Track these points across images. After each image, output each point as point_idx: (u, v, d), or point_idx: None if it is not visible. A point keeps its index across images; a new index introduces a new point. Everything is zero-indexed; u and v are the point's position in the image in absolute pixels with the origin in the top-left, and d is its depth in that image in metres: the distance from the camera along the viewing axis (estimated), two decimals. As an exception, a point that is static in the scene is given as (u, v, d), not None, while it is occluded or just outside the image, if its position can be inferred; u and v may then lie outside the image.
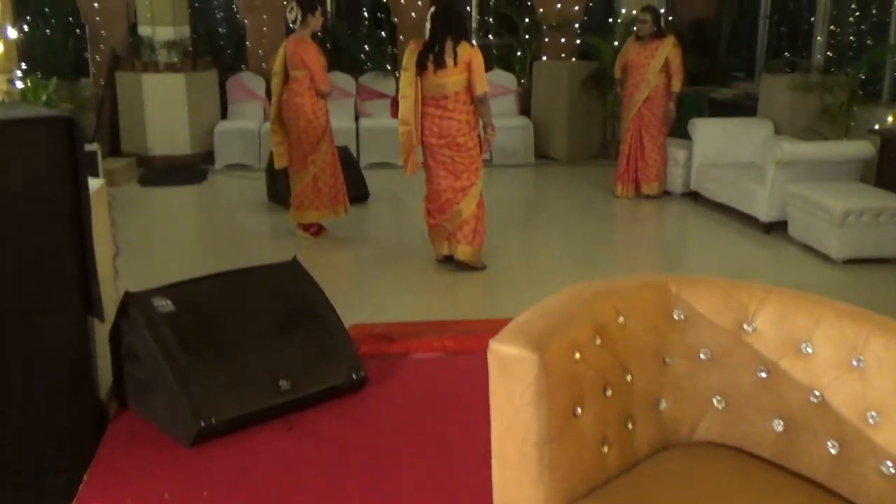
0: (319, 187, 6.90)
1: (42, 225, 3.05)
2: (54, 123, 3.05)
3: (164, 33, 10.02)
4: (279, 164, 7.01)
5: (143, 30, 10.08)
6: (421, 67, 5.86)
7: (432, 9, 5.96)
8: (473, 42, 6.27)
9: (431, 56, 5.83)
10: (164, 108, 9.89)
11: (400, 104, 5.93)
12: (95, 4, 10.43)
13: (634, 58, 8.41)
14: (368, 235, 7.44)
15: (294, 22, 6.70)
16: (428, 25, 5.90)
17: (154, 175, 9.53)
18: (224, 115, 10.43)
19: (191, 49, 10.19)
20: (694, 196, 8.46)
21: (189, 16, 10.35)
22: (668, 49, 8.26)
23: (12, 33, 3.90)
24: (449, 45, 5.79)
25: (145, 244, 7.00)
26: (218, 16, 11.44)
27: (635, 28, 8.49)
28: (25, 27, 10.04)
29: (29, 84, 3.86)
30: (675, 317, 2.39)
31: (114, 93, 10.08)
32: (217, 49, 10.72)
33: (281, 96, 6.81)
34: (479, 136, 5.99)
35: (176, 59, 9.99)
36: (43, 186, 3.03)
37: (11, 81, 3.82)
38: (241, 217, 7.99)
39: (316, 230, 7.11)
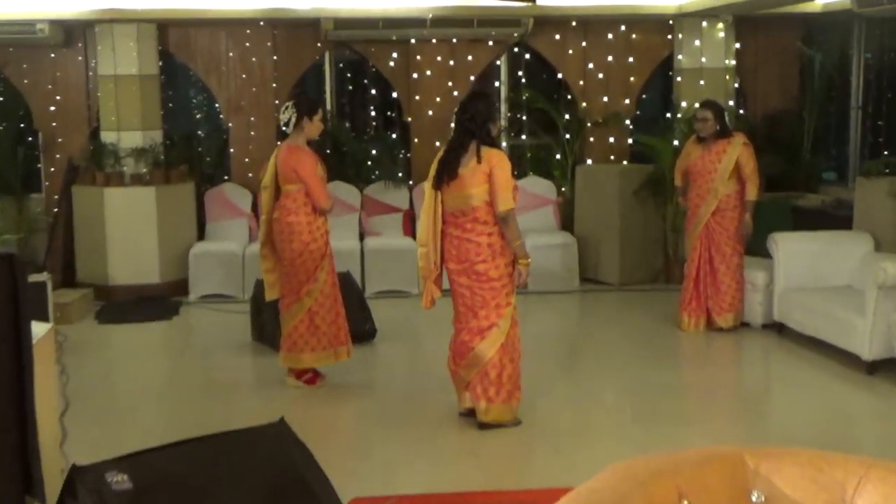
0: (316, 324, 6.96)
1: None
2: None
3: (131, 139, 10.35)
4: (270, 295, 7.10)
5: (107, 136, 10.43)
6: (439, 177, 5.96)
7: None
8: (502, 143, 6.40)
9: (447, 163, 5.94)
10: (129, 228, 10.12)
11: (418, 220, 6.02)
12: (52, 108, 10.82)
13: (697, 162, 8.53)
14: (375, 384, 7.44)
15: (287, 125, 6.89)
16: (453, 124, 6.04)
17: (115, 310, 9.66)
18: (201, 236, 10.64)
19: (163, 158, 10.49)
20: (778, 328, 8.43)
21: (161, 118, 10.70)
22: (737, 150, 8.38)
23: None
24: (472, 148, 5.88)
25: (101, 396, 7.03)
26: (196, 117, 11.80)
27: (696, 128, 8.64)
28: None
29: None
30: (754, 499, 2.36)
31: (70, 210, 10.35)
32: (195, 157, 11.03)
33: (272, 214, 6.96)
34: (509, 265, 5.98)
35: (145, 170, 10.28)
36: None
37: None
38: (219, 361, 8.04)
39: (311, 378, 7.13)
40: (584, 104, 11.10)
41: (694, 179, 8.58)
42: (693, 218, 8.61)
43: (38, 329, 3.89)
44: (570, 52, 11.13)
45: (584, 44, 11.12)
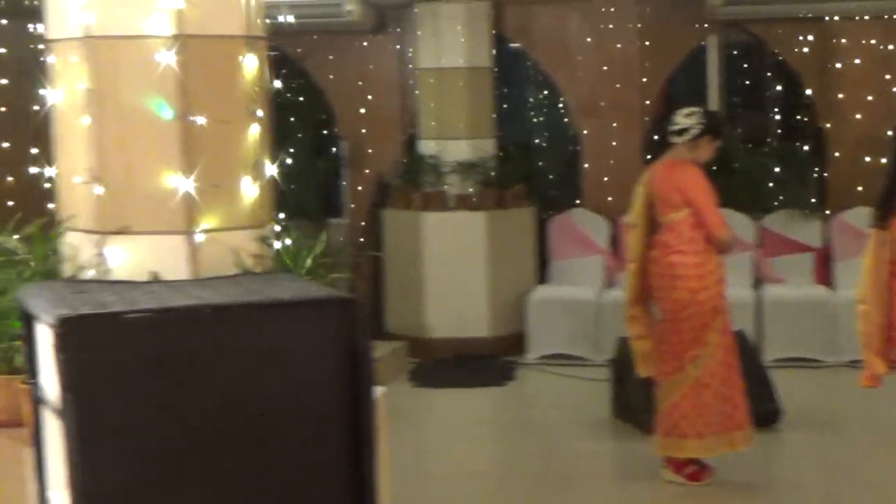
0: (704, 400, 6.92)
1: (308, 455, 3.32)
2: (327, 307, 3.36)
3: (455, 150, 10.71)
4: (642, 369, 7.15)
5: (426, 145, 10.86)
6: (883, 210, 5.81)
7: None
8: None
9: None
10: (451, 265, 10.46)
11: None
12: (360, 110, 11.40)
13: None
14: (779, 485, 7.32)
15: (680, 133, 6.91)
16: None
17: (433, 370, 10.02)
18: (543, 278, 10.85)
19: (494, 174, 10.75)
20: None
21: (494, 124, 11.02)
22: None
23: (271, 169, 4.35)
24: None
25: (415, 479, 7.23)
26: (536, 122, 12.01)
27: None
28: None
29: (289, 243, 4.25)
30: None
31: (378, 240, 10.81)
32: (535, 174, 11.24)
33: (644, 257, 7.04)
34: None
35: (472, 190, 10.59)
36: (312, 391, 3.31)
37: (266, 240, 4.22)
38: (567, 443, 8.15)
39: (695, 472, 7.08)
40: None
41: None
42: None
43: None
44: None
45: None
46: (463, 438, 8.48)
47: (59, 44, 4.15)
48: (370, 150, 11.44)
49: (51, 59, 4.23)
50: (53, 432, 3.29)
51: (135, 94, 3.94)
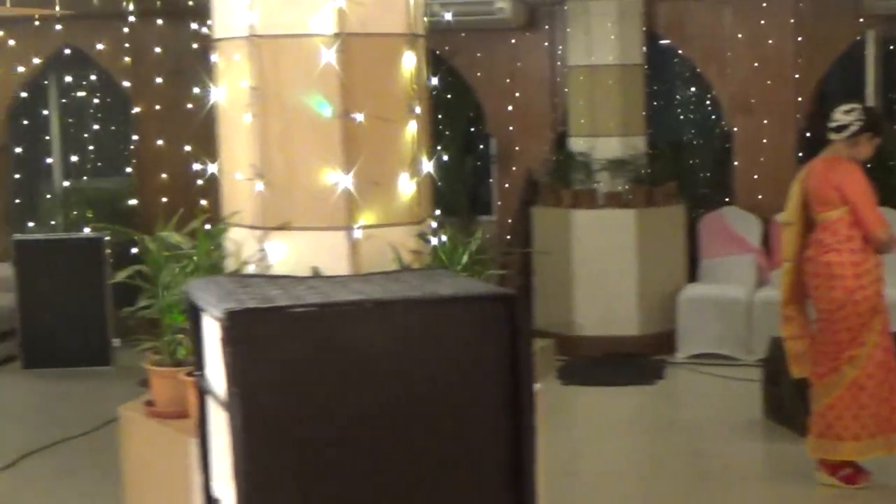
0: (861, 402, 6.81)
1: (470, 441, 3.36)
2: (491, 303, 3.38)
3: (606, 148, 10.70)
4: (796, 370, 7.07)
5: (576, 143, 10.87)
6: None
7: None
8: None
9: None
10: (601, 262, 10.44)
11: None
12: (509, 107, 11.44)
13: None
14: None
15: (838, 130, 6.81)
16: None
17: (582, 368, 10.04)
18: (693, 276, 10.79)
19: (646, 172, 10.73)
20: None
21: (645, 122, 10.99)
22: None
23: (428, 166, 4.39)
24: None
25: (564, 477, 7.23)
26: (686, 119, 11.95)
27: None
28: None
29: (445, 239, 4.28)
30: None
31: (527, 237, 10.84)
32: (685, 171, 11.19)
33: (799, 257, 6.96)
34: None
35: (623, 188, 10.57)
36: (472, 385, 3.34)
37: (424, 236, 4.26)
38: (717, 444, 8.09)
39: (851, 475, 6.97)
40: None
41: None
42: None
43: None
44: None
45: None
46: (612, 437, 8.47)
47: (223, 43, 4.25)
48: (518, 148, 11.48)
49: (215, 57, 4.33)
50: (219, 423, 3.36)
51: (297, 92, 4.02)
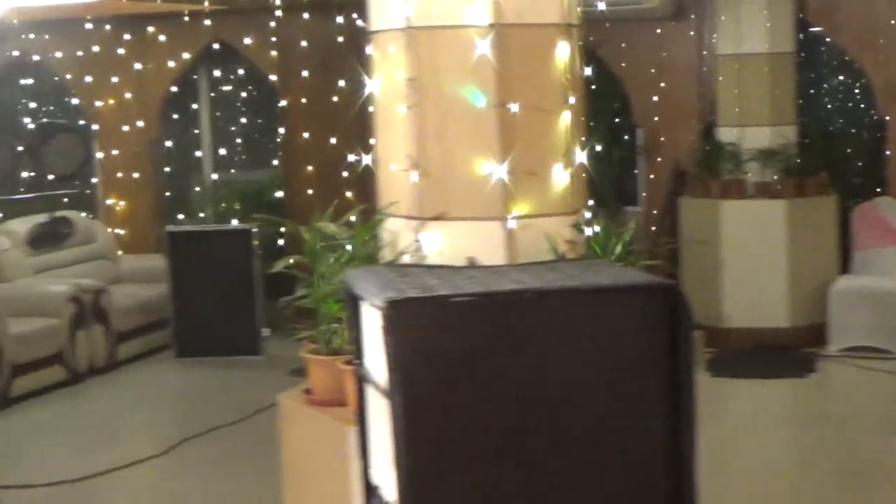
0: None
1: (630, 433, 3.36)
2: (651, 293, 3.37)
3: (756, 137, 10.58)
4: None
5: (725, 132, 10.77)
6: None
7: None
8: None
9: None
10: (751, 254, 10.34)
11: None
12: (654, 97, 11.38)
13: None
14: None
15: None
16: None
17: (731, 360, 9.92)
18: (846, 267, 10.62)
19: (797, 161, 10.58)
20: None
21: (796, 110, 10.83)
22: None
23: (582, 157, 4.39)
24: None
25: (711, 471, 7.17)
26: (837, 107, 11.75)
27: None
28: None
29: (599, 230, 4.26)
30: None
31: (675, 228, 10.76)
32: (838, 161, 11.01)
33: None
34: None
35: (773, 178, 10.44)
36: (632, 375, 3.34)
37: (578, 226, 4.26)
38: (870, 439, 7.98)
39: None
40: None
41: None
42: None
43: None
44: None
45: None
46: (762, 430, 8.37)
47: (379, 35, 4.28)
48: (663, 139, 11.40)
49: (370, 49, 4.37)
50: (378, 411, 3.40)
51: (453, 83, 4.03)
